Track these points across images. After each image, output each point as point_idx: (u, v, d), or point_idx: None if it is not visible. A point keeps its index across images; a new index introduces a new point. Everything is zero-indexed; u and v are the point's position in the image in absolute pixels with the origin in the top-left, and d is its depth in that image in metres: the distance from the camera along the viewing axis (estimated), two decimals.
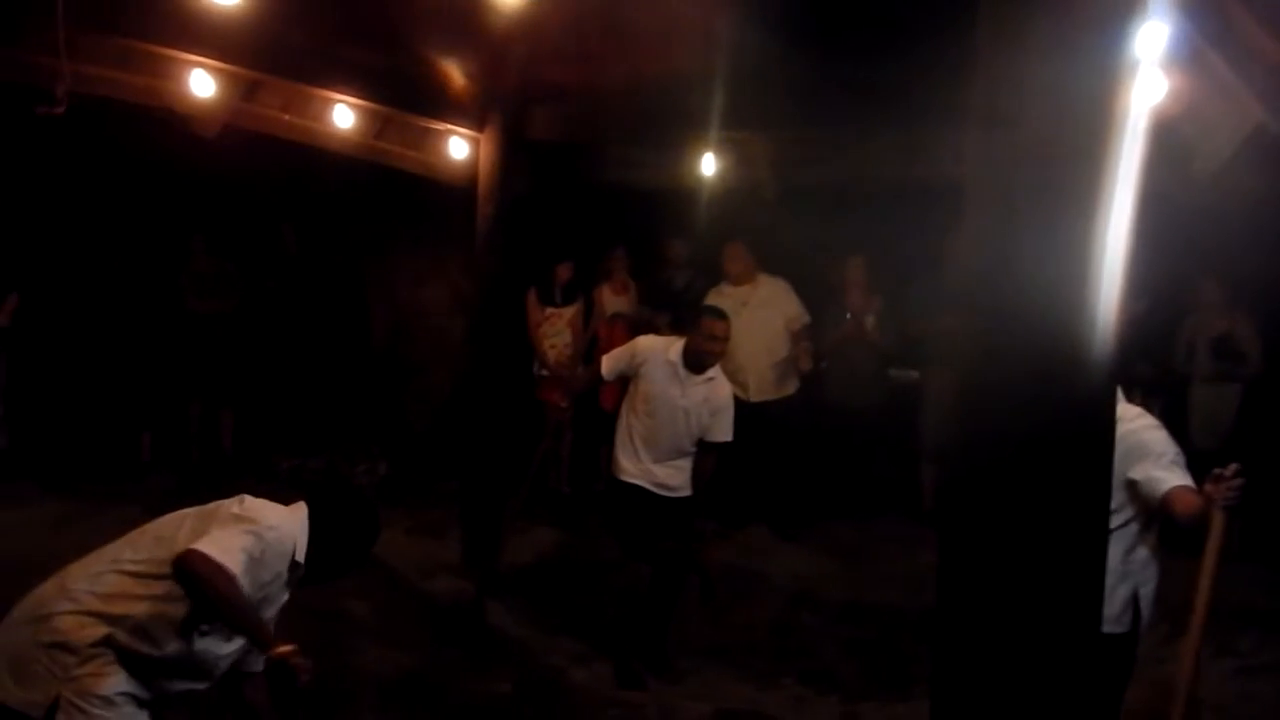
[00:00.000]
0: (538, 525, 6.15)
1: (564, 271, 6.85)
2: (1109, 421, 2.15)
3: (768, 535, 6.35)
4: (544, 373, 6.85)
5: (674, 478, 4.66)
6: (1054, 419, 2.04)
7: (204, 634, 2.56)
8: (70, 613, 2.48)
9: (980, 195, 2.06)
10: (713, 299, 6.41)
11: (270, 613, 2.70)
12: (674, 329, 6.53)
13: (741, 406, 6.22)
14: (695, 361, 4.57)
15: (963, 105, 2.09)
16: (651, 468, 4.63)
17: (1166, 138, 3.98)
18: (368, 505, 2.90)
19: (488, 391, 5.62)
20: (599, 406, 6.53)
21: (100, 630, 2.48)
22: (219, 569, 2.41)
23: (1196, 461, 3.12)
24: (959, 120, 2.17)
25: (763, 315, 6.37)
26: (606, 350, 6.70)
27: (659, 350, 4.65)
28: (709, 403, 4.60)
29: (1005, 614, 2.11)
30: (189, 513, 2.68)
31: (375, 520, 2.88)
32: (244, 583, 2.49)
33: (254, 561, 2.53)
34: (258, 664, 2.68)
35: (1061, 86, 1.90)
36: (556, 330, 6.87)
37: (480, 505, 5.52)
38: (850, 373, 6.55)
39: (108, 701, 2.46)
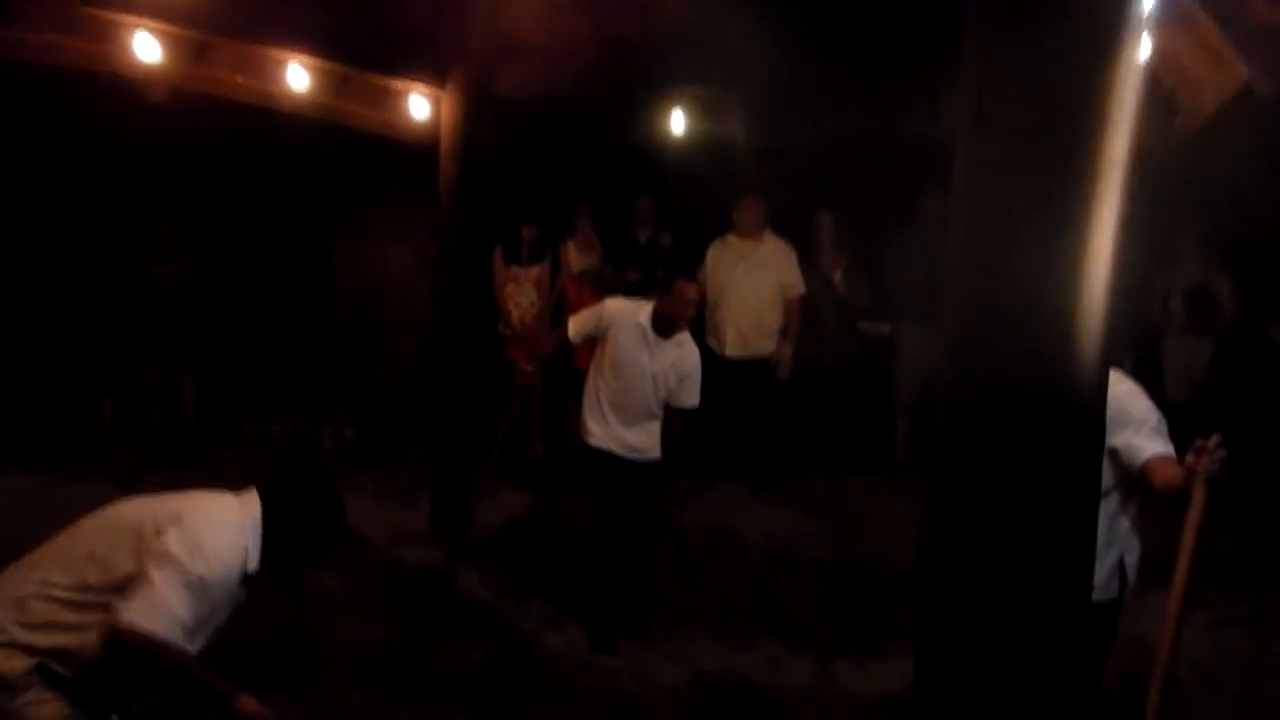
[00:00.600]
0: (508, 488, 6.07)
1: (529, 233, 6.74)
2: (1100, 399, 2.12)
3: (741, 492, 6.32)
4: (508, 332, 6.77)
5: (643, 440, 4.62)
6: (1047, 398, 2.02)
7: None
8: None
9: (972, 189, 2.00)
10: (716, 248, 6.33)
11: (222, 617, 2.62)
12: (641, 287, 6.49)
13: (715, 361, 6.26)
14: (665, 325, 4.50)
15: (940, 62, 2.03)
16: (620, 431, 4.58)
17: (1150, 93, 3.93)
18: (328, 503, 2.78)
19: (455, 354, 5.51)
20: (572, 364, 6.46)
21: (29, 662, 2.37)
22: (155, 644, 2.33)
23: (1171, 414, 3.10)
24: (935, 76, 2.12)
25: (758, 275, 6.26)
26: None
27: (628, 313, 4.56)
28: (677, 367, 4.53)
29: (993, 580, 2.10)
30: (126, 518, 2.54)
31: (337, 517, 2.77)
32: (186, 624, 2.40)
33: (195, 601, 2.42)
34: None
35: (1057, 74, 1.84)
36: (522, 290, 6.78)
37: (449, 469, 5.44)
38: (818, 326, 6.49)
39: None
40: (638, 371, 4.50)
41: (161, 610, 2.34)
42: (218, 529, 2.51)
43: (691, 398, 4.60)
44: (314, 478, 3.02)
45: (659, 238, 6.82)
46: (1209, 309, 5.90)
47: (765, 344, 6.34)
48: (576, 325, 4.70)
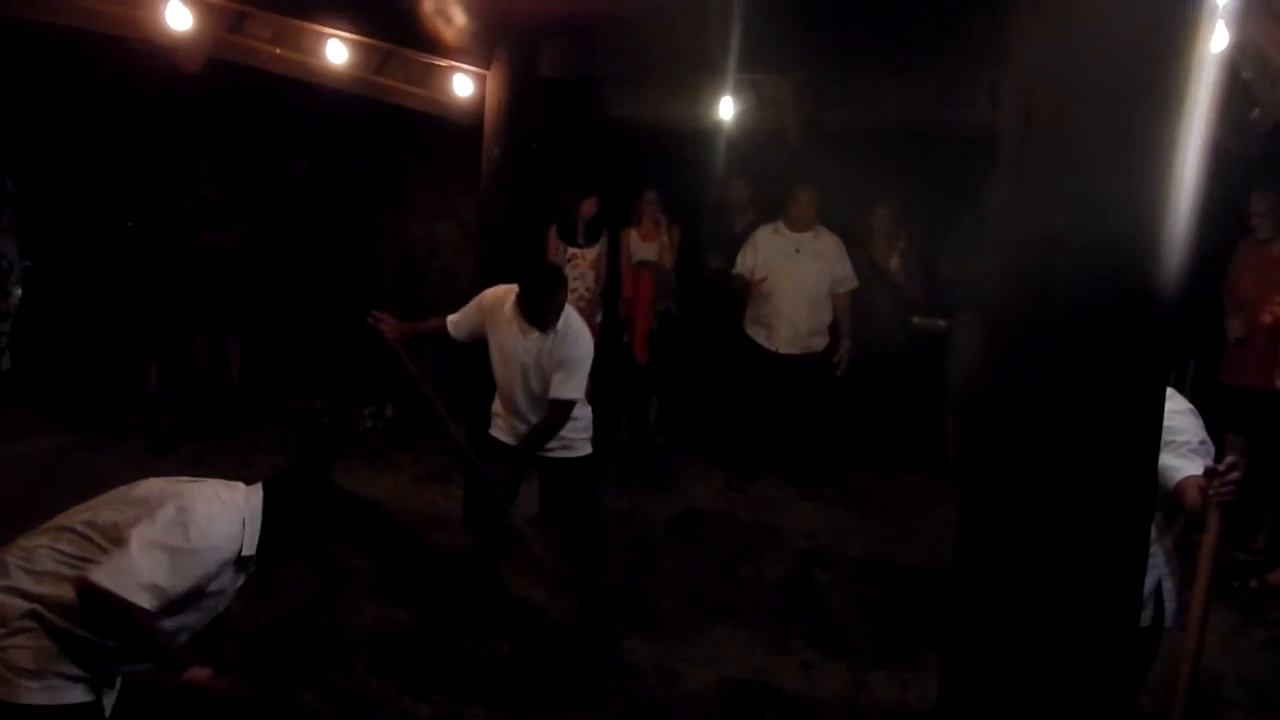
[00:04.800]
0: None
1: (589, 207, 6.31)
2: (1158, 406, 1.98)
3: (784, 489, 6.19)
4: None
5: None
6: (1102, 399, 1.87)
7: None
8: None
9: (1025, 149, 1.85)
10: (766, 235, 6.14)
11: (222, 600, 2.68)
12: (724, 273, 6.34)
13: (765, 356, 6.12)
14: (534, 313, 4.12)
15: (999, 45, 1.89)
16: (513, 422, 4.37)
17: (1226, 86, 3.71)
18: (328, 500, 2.83)
19: None
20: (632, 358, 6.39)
21: (25, 605, 2.45)
22: (115, 602, 2.39)
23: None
24: (995, 59, 1.98)
25: (813, 268, 6.05)
26: (631, 299, 6.53)
27: (499, 300, 4.25)
28: (554, 354, 4.16)
29: (1029, 594, 1.97)
30: (140, 492, 2.64)
31: (337, 512, 2.83)
32: (158, 590, 2.45)
33: (169, 570, 2.47)
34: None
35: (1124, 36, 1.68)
36: (579, 272, 6.37)
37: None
38: (871, 320, 6.30)
39: (35, 675, 2.44)
40: (511, 361, 4.22)
41: (129, 572, 2.41)
42: (213, 509, 2.59)
43: (569, 389, 4.16)
44: (317, 473, 3.02)
45: (755, 224, 6.38)
46: None
47: (818, 339, 6.16)
48: (456, 321, 4.39)
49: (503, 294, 4.28)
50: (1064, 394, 1.87)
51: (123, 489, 2.69)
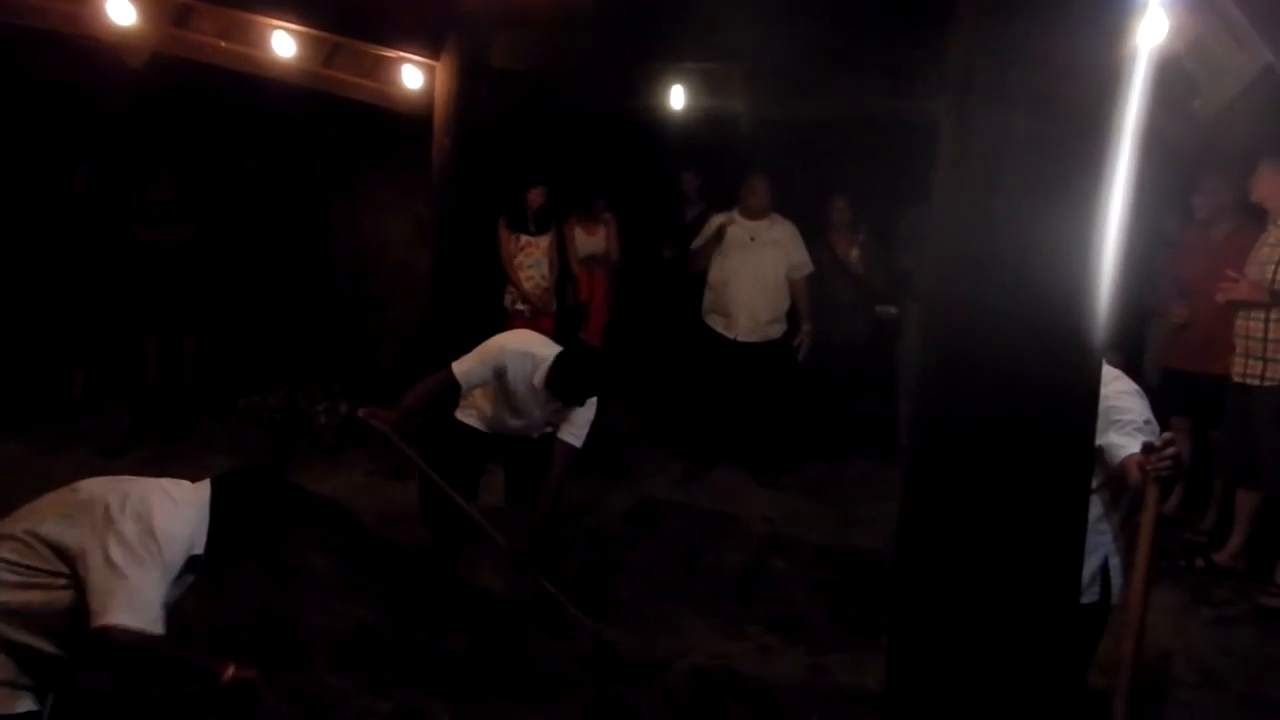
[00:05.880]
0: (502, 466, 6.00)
1: (536, 197, 6.42)
2: (1093, 390, 2.03)
3: (741, 477, 6.22)
4: (520, 306, 6.51)
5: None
6: (1038, 387, 1.92)
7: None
8: None
9: (961, 168, 1.87)
10: (722, 220, 6.16)
11: (174, 597, 2.63)
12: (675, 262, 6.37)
13: (723, 344, 6.14)
14: (569, 400, 4.14)
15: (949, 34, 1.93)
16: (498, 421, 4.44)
17: (1168, 76, 3.78)
18: (277, 498, 2.79)
19: (455, 328, 5.39)
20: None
21: None
22: (145, 639, 2.37)
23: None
24: (943, 52, 2.00)
25: (770, 255, 6.09)
26: (587, 295, 6.55)
27: (523, 368, 4.17)
28: (568, 412, 4.21)
29: (972, 579, 2.01)
30: (86, 494, 2.57)
31: (287, 510, 2.80)
32: (161, 611, 2.44)
33: (165, 586, 2.47)
34: None
35: (1058, 54, 1.71)
36: (534, 260, 6.48)
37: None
38: (834, 309, 6.34)
39: None
40: (520, 408, 4.28)
41: (143, 605, 2.39)
42: (168, 511, 2.55)
43: (577, 439, 4.21)
44: (267, 471, 3.00)
45: (707, 215, 6.47)
46: None
47: (776, 327, 6.20)
48: (466, 374, 4.21)
49: (522, 353, 4.17)
50: (1001, 389, 1.91)
51: (63, 491, 2.61)
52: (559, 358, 4.11)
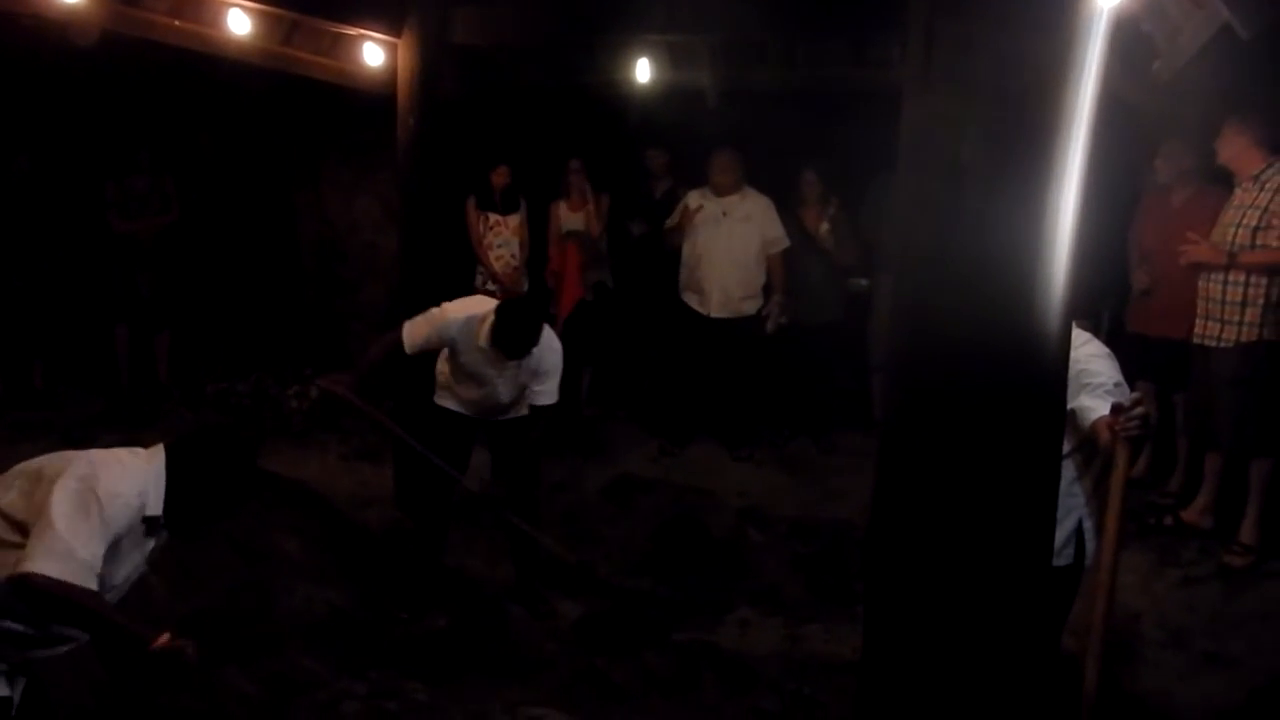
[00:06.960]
0: (476, 448, 5.98)
1: (499, 177, 6.37)
2: (1061, 360, 2.03)
3: (716, 452, 6.23)
4: (491, 286, 6.42)
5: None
6: (1003, 359, 1.93)
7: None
8: None
9: (921, 154, 1.88)
10: (694, 200, 6.13)
11: (127, 571, 2.58)
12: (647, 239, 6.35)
13: (698, 321, 6.13)
14: (512, 347, 4.11)
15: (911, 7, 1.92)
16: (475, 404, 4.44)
17: (1125, 38, 3.78)
18: (231, 450, 2.71)
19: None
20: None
21: None
22: (62, 589, 2.30)
23: None
24: (909, 22, 2.00)
25: (742, 230, 6.06)
26: (559, 271, 6.50)
27: (468, 332, 4.15)
28: (531, 368, 4.21)
29: (944, 548, 2.02)
30: (34, 466, 2.53)
31: (244, 467, 2.72)
32: (93, 566, 2.37)
33: (98, 541, 2.39)
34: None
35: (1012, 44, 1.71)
36: (503, 239, 6.43)
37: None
38: (805, 285, 6.33)
39: None
40: (483, 379, 4.26)
41: (64, 553, 2.32)
42: (114, 471, 2.49)
43: (548, 396, 4.26)
44: (225, 430, 2.94)
45: (675, 191, 6.46)
46: None
47: (750, 303, 6.19)
48: (412, 339, 4.22)
49: (466, 318, 4.16)
50: (967, 362, 1.92)
51: (18, 467, 2.57)
52: (497, 310, 4.10)
